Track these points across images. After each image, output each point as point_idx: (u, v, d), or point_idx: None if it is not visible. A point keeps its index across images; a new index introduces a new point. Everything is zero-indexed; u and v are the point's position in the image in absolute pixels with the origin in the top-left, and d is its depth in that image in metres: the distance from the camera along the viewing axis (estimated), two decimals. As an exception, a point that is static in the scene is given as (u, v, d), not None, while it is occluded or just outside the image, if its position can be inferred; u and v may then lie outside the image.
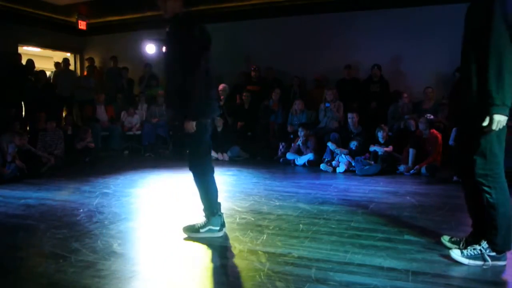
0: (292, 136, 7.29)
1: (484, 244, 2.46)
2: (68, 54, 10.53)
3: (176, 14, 2.99)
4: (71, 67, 10.34)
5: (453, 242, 2.74)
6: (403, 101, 7.15)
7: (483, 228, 2.53)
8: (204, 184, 3.06)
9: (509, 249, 2.44)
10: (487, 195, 2.42)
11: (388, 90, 7.54)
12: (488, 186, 2.41)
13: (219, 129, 7.66)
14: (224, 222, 3.12)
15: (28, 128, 7.65)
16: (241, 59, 8.82)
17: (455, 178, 5.24)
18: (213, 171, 3.16)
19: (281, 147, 7.10)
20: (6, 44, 8.64)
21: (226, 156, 7.36)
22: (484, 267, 2.42)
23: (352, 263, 2.50)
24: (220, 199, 4.09)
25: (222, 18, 8.89)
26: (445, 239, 2.81)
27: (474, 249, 2.48)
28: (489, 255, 2.43)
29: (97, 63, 10.12)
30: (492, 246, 2.43)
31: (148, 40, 8.96)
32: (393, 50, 7.78)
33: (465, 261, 2.47)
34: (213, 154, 7.40)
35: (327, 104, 7.27)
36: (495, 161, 2.41)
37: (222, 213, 3.14)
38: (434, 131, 6.08)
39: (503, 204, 2.40)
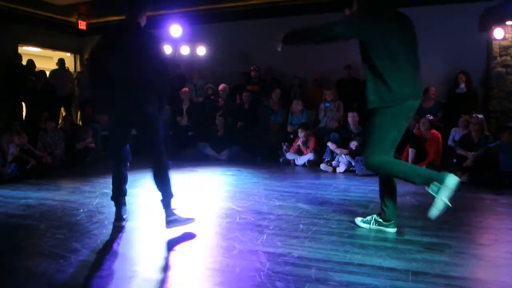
0: (292, 136, 7.29)
1: (376, 215, 3.16)
2: (68, 54, 10.53)
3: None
4: (72, 67, 10.35)
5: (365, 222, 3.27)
6: None
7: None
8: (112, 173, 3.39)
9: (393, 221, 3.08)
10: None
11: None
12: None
13: (219, 129, 7.66)
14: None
15: (27, 128, 7.65)
16: (241, 59, 8.83)
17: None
18: (119, 161, 3.40)
19: (284, 147, 7.10)
20: (6, 44, 8.64)
21: (225, 155, 7.36)
22: (370, 228, 3.15)
23: (352, 263, 2.50)
24: (220, 199, 4.10)
25: (222, 18, 8.90)
26: (358, 219, 3.30)
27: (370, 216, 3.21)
28: (377, 221, 3.15)
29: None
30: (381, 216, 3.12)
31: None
32: (393, 50, 7.77)
33: (363, 224, 3.21)
34: (213, 153, 7.41)
35: (327, 104, 7.27)
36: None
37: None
38: (434, 131, 6.09)
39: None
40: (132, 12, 3.33)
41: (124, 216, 3.37)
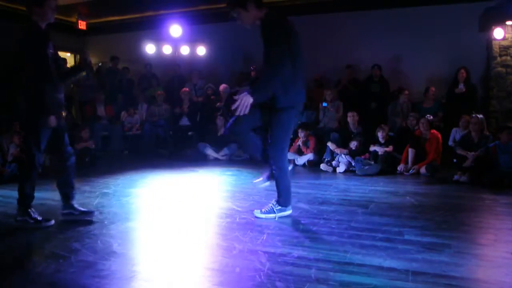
0: (292, 136, 7.28)
1: (273, 202, 3.48)
2: (68, 54, 10.53)
3: None
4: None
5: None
6: (403, 99, 7.15)
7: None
8: None
9: (289, 204, 3.49)
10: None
11: (388, 90, 7.54)
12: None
13: (219, 129, 7.66)
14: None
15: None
16: (241, 59, 8.83)
17: (455, 177, 5.25)
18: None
19: None
20: (6, 44, 8.63)
21: (224, 153, 7.35)
22: (276, 218, 3.41)
23: (352, 263, 2.50)
24: (220, 199, 4.10)
25: (222, 18, 8.89)
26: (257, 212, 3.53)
27: (267, 206, 3.49)
28: (276, 209, 3.44)
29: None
30: (279, 203, 3.47)
31: (148, 40, 8.97)
32: (393, 50, 7.78)
33: (263, 216, 3.44)
34: (213, 153, 7.41)
35: (324, 104, 7.28)
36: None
37: None
38: (434, 131, 6.09)
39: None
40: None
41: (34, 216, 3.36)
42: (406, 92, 7.22)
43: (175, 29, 8.41)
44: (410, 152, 5.97)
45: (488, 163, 5.18)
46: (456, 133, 6.36)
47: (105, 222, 3.41)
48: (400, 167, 5.94)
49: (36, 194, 4.53)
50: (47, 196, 4.48)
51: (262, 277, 2.30)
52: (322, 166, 6.28)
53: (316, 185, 5.13)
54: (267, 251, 2.70)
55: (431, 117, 6.56)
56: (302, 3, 8.33)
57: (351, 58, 7.90)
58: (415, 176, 5.75)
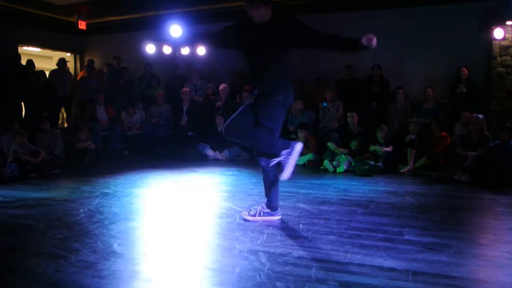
0: (292, 136, 7.28)
1: (263, 205, 3.40)
2: (68, 54, 10.53)
3: None
4: (72, 67, 10.33)
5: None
6: (399, 98, 7.16)
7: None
8: None
9: (277, 208, 3.39)
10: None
11: (388, 90, 7.53)
12: None
13: (219, 129, 7.65)
14: None
15: (27, 128, 7.64)
16: (240, 59, 8.80)
17: (455, 177, 5.25)
18: None
19: None
20: (6, 44, 8.64)
21: (225, 155, 7.36)
22: (261, 221, 3.32)
23: (352, 263, 2.50)
24: (220, 199, 4.10)
25: (222, 18, 8.89)
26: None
27: (255, 209, 3.40)
28: (264, 212, 3.36)
29: (97, 63, 10.12)
30: (267, 205, 3.38)
31: (148, 40, 8.96)
32: (393, 50, 7.77)
33: (250, 218, 3.37)
34: (213, 153, 7.41)
35: (324, 104, 7.28)
36: None
37: None
38: (444, 133, 6.12)
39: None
40: None
41: None
42: (401, 91, 7.21)
43: (175, 29, 8.40)
44: (410, 152, 5.98)
45: (488, 163, 5.18)
46: (457, 130, 6.36)
47: (105, 222, 3.41)
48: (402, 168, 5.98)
49: (37, 194, 4.57)
50: (48, 196, 4.49)
51: (262, 277, 2.30)
52: (325, 163, 6.21)
53: (316, 185, 5.13)
54: (267, 251, 2.70)
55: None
56: (303, 3, 8.32)
57: (351, 58, 7.87)
58: (415, 176, 5.75)
